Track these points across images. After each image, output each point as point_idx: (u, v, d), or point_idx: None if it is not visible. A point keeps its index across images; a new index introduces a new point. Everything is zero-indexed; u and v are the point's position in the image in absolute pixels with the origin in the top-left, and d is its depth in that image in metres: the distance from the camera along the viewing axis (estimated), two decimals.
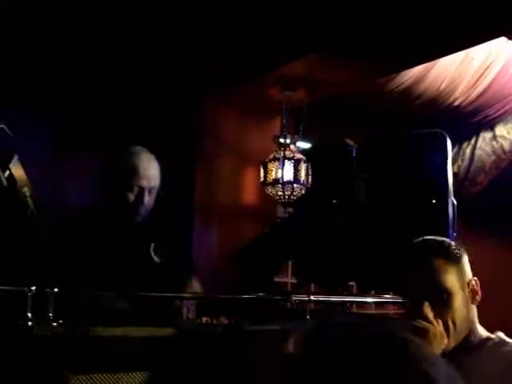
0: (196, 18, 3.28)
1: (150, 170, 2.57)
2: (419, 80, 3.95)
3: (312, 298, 2.01)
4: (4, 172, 2.04)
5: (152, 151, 2.64)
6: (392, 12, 3.11)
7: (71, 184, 3.31)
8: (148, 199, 2.56)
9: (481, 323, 1.72)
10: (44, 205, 2.30)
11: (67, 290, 1.88)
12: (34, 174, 2.27)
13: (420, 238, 1.77)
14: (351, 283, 3.78)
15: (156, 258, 2.56)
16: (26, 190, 2.14)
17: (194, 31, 3.34)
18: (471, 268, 1.72)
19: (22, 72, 3.37)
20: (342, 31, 3.22)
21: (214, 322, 2.31)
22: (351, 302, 2.96)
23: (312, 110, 4.09)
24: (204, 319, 2.39)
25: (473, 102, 4.40)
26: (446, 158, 3.75)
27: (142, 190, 2.52)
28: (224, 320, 2.32)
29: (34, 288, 1.69)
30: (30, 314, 1.64)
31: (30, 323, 1.63)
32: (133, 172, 2.52)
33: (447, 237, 3.57)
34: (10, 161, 2.05)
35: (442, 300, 1.63)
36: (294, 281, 4.18)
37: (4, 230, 2.16)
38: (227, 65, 3.58)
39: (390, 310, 3.25)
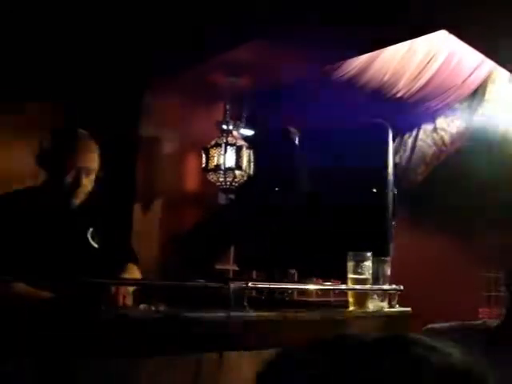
0: (140, 3, 3.22)
1: (88, 151, 2.51)
2: (363, 70, 3.98)
3: (250, 284, 2.00)
4: None
5: (93, 135, 2.59)
6: (337, 0, 3.12)
7: (6, 164, 3.21)
8: (86, 181, 2.50)
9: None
10: None
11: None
12: None
13: None
14: (292, 270, 3.79)
15: (93, 243, 2.51)
16: None
17: (138, 15, 3.28)
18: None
19: None
20: (287, 17, 3.21)
21: (153, 309, 2.28)
22: (292, 290, 2.98)
23: (256, 96, 4.08)
24: (142, 306, 2.35)
25: (415, 94, 4.47)
26: (388, 149, 3.80)
27: (79, 170, 2.46)
28: (163, 307, 2.29)
29: None
30: None
31: None
32: (69, 152, 2.46)
33: (387, 226, 3.63)
34: None
35: None
36: (236, 268, 4.18)
37: None
38: (170, 49, 3.52)
39: (331, 298, 3.28)
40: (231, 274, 4.25)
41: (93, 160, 2.52)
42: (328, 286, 2.95)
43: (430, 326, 1.67)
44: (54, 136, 2.56)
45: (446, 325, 1.71)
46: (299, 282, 3.61)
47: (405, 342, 0.66)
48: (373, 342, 0.66)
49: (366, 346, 0.65)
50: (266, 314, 2.07)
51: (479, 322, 1.61)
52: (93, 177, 2.55)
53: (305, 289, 2.84)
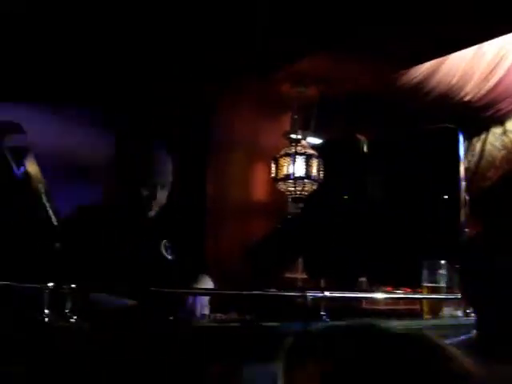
0: (210, 15, 3.27)
1: (163, 165, 2.56)
2: (430, 75, 3.92)
3: (327, 294, 2.00)
4: (19, 168, 2.04)
5: (165, 147, 2.64)
6: (403, 7, 3.10)
7: (85, 179, 3.31)
8: (161, 195, 2.55)
9: None
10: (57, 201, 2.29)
11: (82, 287, 1.88)
12: (47, 170, 2.27)
13: None
14: (362, 278, 3.77)
15: (168, 255, 2.56)
16: (40, 186, 2.13)
17: (209, 27, 3.33)
18: None
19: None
20: (353, 27, 3.21)
21: (227, 318, 2.31)
22: (364, 298, 2.95)
23: (323, 105, 4.08)
24: (217, 315, 2.39)
25: (484, 96, 4.38)
26: (458, 154, 3.75)
27: (154, 185, 2.52)
28: (237, 316, 2.31)
29: (50, 285, 1.68)
30: (47, 311, 1.64)
31: (47, 319, 1.63)
32: (146, 167, 2.52)
33: (460, 232, 3.57)
34: (24, 157, 2.05)
35: None
36: (305, 276, 4.18)
37: (19, 227, 2.16)
38: (239, 61, 3.57)
39: (401, 306, 3.24)
40: (300, 283, 4.25)
41: (167, 173, 2.57)
42: (402, 294, 2.91)
43: None
44: (131, 149, 2.62)
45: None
46: (369, 289, 3.58)
47: (428, 346, 0.70)
48: (396, 336, 0.70)
49: (390, 338, 0.69)
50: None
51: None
52: (167, 189, 2.60)
53: (380, 298, 2.81)
